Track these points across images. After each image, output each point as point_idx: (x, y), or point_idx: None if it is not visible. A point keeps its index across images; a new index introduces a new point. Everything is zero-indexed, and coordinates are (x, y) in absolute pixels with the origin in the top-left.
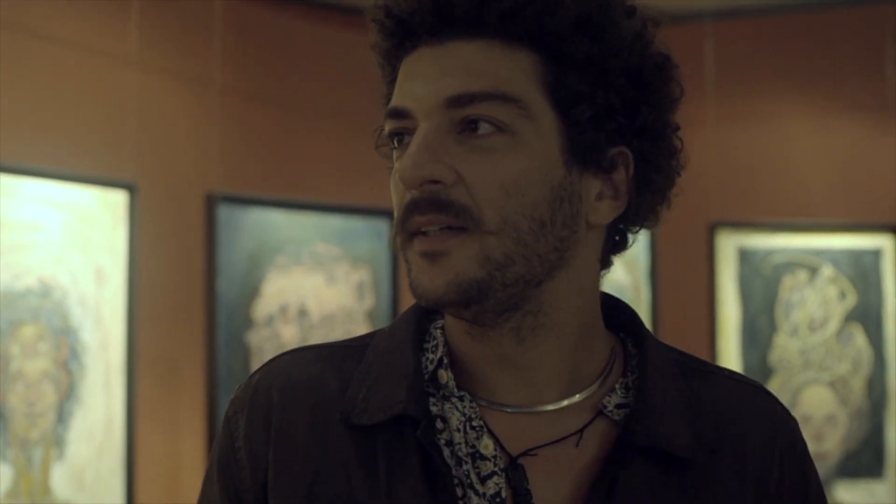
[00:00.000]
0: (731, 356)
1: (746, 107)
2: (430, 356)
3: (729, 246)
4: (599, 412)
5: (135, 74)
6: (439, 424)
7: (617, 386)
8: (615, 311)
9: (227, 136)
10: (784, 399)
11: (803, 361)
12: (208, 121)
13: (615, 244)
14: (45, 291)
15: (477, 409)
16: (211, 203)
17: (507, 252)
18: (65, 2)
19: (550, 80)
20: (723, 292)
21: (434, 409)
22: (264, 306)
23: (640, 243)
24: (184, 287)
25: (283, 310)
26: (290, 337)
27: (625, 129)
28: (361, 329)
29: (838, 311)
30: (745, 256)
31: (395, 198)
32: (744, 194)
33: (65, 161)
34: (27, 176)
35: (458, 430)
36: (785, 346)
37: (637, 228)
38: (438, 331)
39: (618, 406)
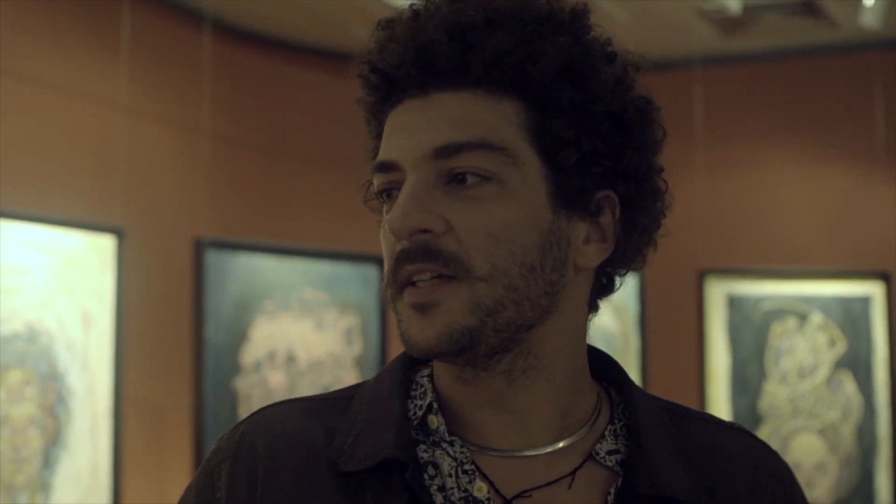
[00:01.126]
0: (720, 403)
1: (735, 153)
2: (419, 402)
3: (718, 293)
4: (590, 456)
5: (124, 119)
6: (431, 471)
7: (606, 433)
8: (596, 360)
9: (216, 181)
10: (774, 446)
11: (793, 409)
12: (197, 166)
13: (602, 287)
14: (31, 336)
15: (468, 453)
16: (199, 248)
17: (497, 298)
18: (54, 46)
19: (535, 126)
20: (712, 339)
21: (425, 455)
22: (252, 352)
23: (629, 290)
24: (171, 332)
25: (272, 356)
26: (278, 383)
27: (610, 173)
28: (350, 375)
29: (828, 358)
30: (734, 303)
31: (386, 250)
32: (733, 241)
33: (52, 205)
34: (14, 219)
35: (451, 475)
36: (774, 394)
37: (624, 271)
38: (425, 378)
39: (609, 452)
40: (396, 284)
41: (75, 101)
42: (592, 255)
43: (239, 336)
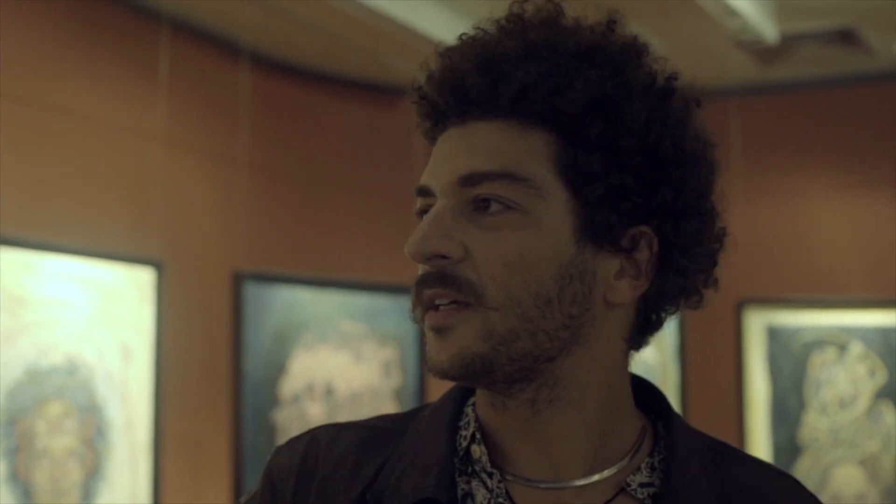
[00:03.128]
0: (759, 434)
1: (773, 183)
2: (464, 433)
3: (757, 323)
4: (622, 489)
5: (161, 151)
6: (469, 502)
7: (643, 465)
8: (645, 392)
9: (254, 213)
10: (814, 478)
11: (833, 440)
12: (235, 198)
13: (648, 324)
14: (71, 369)
15: (503, 485)
16: (237, 281)
17: (510, 327)
18: (92, 78)
19: (563, 159)
20: (751, 370)
21: (464, 487)
22: (290, 384)
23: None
24: (210, 364)
25: (310, 388)
26: (316, 415)
27: (642, 209)
28: (388, 407)
29: (868, 388)
30: (773, 334)
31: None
32: (772, 271)
33: (92, 238)
34: (54, 253)
35: None
36: (814, 425)
37: (672, 309)
38: (470, 408)
39: (641, 485)
40: (420, 306)
41: (114, 134)
42: (625, 290)
43: (277, 368)
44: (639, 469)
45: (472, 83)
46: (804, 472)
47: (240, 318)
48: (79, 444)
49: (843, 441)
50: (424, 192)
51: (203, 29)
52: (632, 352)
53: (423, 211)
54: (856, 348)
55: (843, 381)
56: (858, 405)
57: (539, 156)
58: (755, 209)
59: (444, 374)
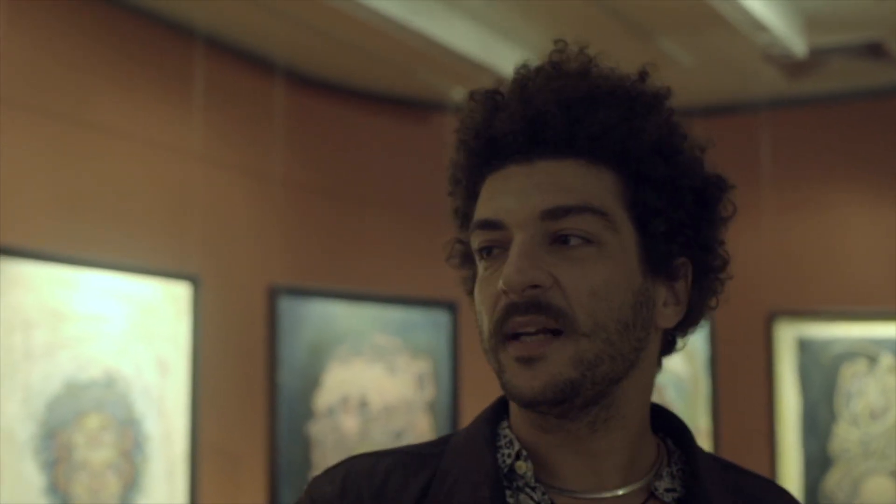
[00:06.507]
0: (790, 446)
1: (803, 196)
2: (506, 451)
3: (788, 335)
4: (651, 494)
5: (197, 167)
6: None
7: (664, 474)
8: (652, 411)
9: (289, 228)
10: (845, 490)
11: (864, 451)
12: (270, 213)
13: (667, 346)
14: (109, 382)
15: (548, 499)
16: (273, 295)
17: (598, 353)
18: (128, 96)
19: (630, 196)
20: (782, 382)
21: (511, 501)
22: (325, 397)
23: (698, 333)
24: (245, 378)
25: (344, 401)
26: (350, 428)
27: (690, 242)
28: (422, 420)
29: None
30: (803, 346)
31: (486, 303)
32: (802, 283)
33: (129, 253)
34: (92, 268)
35: None
36: (845, 436)
37: (692, 330)
38: (507, 430)
39: (667, 490)
40: (501, 335)
41: (150, 151)
42: (670, 316)
43: (312, 381)
44: (661, 476)
45: (550, 124)
46: (835, 483)
47: (275, 332)
48: (117, 456)
49: (874, 452)
50: (493, 225)
51: (238, 46)
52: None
53: (487, 247)
54: (886, 360)
55: (873, 393)
56: (889, 416)
57: (610, 192)
58: (785, 222)
59: (532, 401)
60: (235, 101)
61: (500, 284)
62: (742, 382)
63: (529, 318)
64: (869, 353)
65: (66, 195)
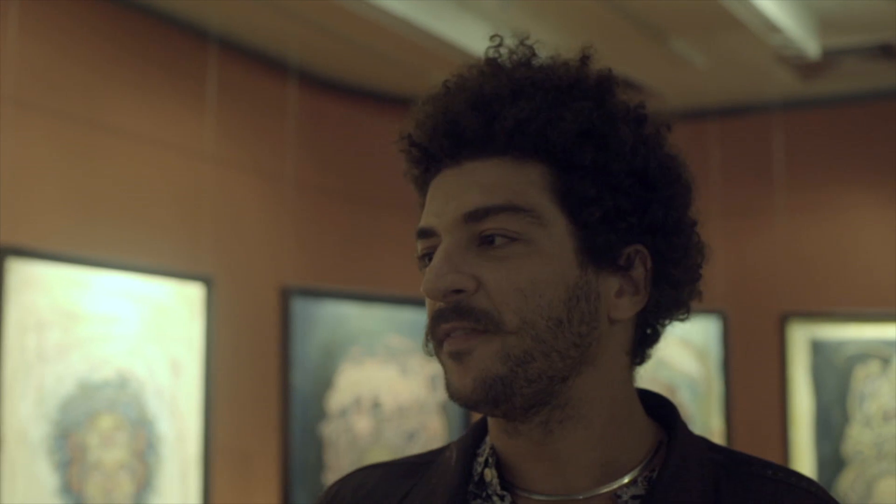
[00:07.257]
0: (803, 447)
1: (816, 197)
2: (480, 459)
3: (801, 337)
4: (614, 499)
5: (211, 168)
6: None
7: (640, 478)
8: (659, 406)
9: (301, 229)
10: (858, 491)
11: (877, 453)
12: (282, 214)
13: (646, 337)
14: (122, 383)
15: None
16: (285, 296)
17: (526, 349)
18: (142, 97)
19: (560, 187)
20: (795, 383)
21: None
22: (338, 398)
23: (711, 334)
24: (258, 379)
25: (357, 402)
26: (363, 429)
27: (636, 228)
28: (435, 420)
29: None
30: (817, 347)
31: (427, 309)
32: (815, 285)
33: (142, 254)
34: (105, 269)
35: None
36: (858, 438)
37: (666, 321)
38: (488, 436)
39: (633, 497)
40: (435, 340)
41: (163, 152)
42: (626, 307)
43: (325, 382)
44: (636, 482)
45: (466, 124)
46: (848, 485)
47: (288, 333)
48: (130, 457)
49: (887, 454)
50: (426, 233)
51: (251, 48)
52: (636, 366)
53: (426, 254)
54: None
55: (886, 395)
56: None
57: (536, 186)
58: (798, 223)
59: (466, 400)
60: (249, 103)
61: (421, 290)
62: (755, 384)
63: (452, 324)
64: (882, 354)
65: (80, 196)
